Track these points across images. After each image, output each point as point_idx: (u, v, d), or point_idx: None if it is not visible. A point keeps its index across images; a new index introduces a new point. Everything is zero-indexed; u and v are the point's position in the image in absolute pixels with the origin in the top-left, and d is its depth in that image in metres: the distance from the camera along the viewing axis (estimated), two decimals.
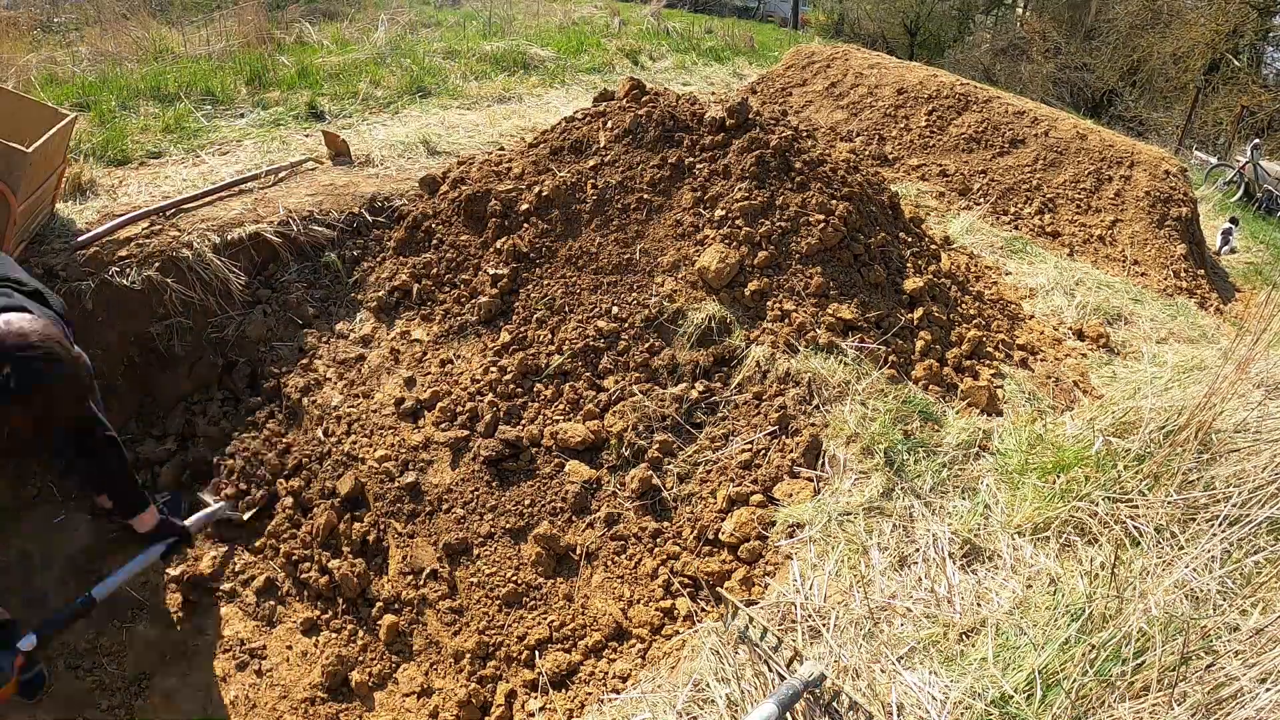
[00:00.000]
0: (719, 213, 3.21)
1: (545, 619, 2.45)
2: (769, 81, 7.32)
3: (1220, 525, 2.05)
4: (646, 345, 2.97)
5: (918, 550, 2.24)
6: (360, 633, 2.51)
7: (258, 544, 2.72)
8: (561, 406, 2.90)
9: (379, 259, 3.61)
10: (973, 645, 1.93)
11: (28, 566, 2.61)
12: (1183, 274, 5.06)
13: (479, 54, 7.03)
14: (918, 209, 4.89)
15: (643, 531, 2.56)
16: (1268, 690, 1.50)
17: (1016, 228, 5.11)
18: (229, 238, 3.37)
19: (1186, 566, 1.94)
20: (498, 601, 2.50)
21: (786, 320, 2.94)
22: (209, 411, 3.15)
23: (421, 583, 2.58)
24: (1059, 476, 2.47)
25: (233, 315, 3.31)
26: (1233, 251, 6.82)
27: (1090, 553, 2.17)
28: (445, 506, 2.71)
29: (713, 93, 7.24)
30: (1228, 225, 6.94)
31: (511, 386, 2.95)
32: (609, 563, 2.53)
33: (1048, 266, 4.48)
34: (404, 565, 2.58)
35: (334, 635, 2.48)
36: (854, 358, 2.84)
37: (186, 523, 2.46)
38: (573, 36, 8.47)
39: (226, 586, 2.62)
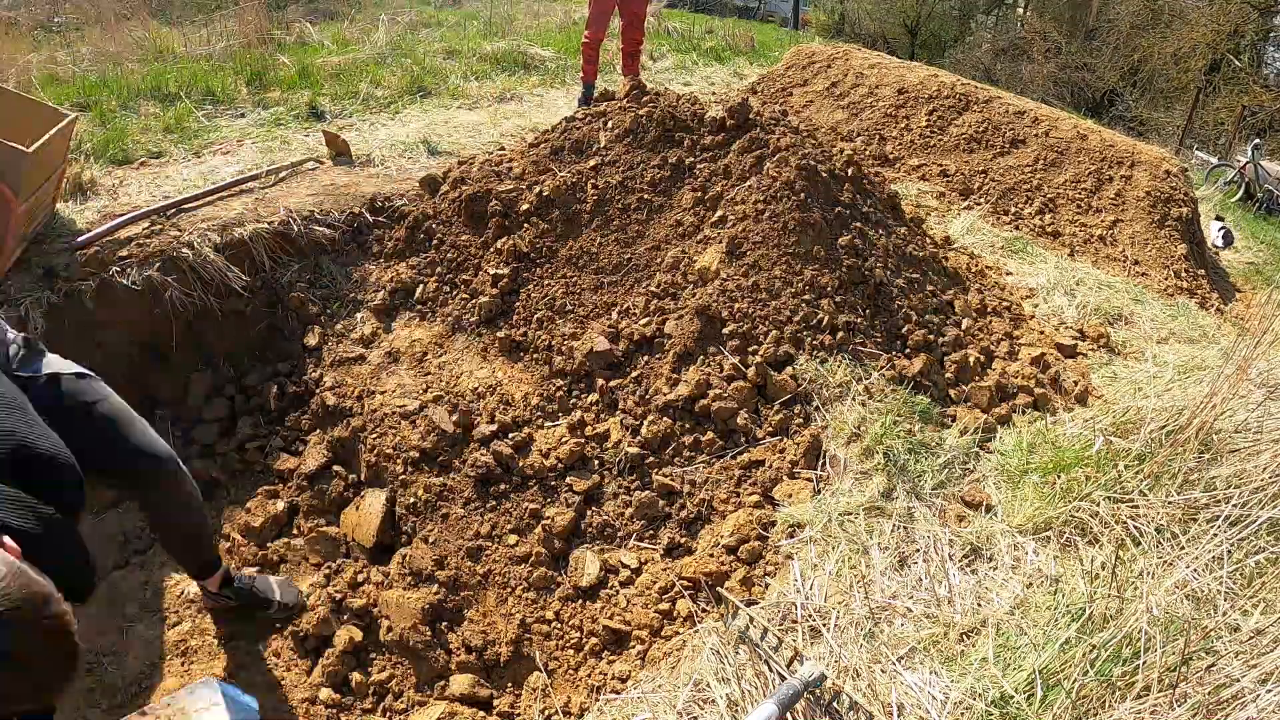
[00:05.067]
0: (719, 213, 3.21)
1: (544, 615, 2.45)
2: (769, 81, 7.32)
3: (1221, 525, 2.05)
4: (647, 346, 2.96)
5: (918, 550, 2.24)
6: (361, 634, 2.51)
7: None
8: (561, 408, 2.90)
9: (380, 259, 3.61)
10: (973, 645, 1.92)
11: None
12: (1183, 274, 5.06)
13: (479, 54, 7.03)
14: (918, 209, 4.89)
15: (642, 532, 2.56)
16: (1269, 691, 1.50)
17: (1017, 228, 5.11)
18: (230, 238, 3.37)
19: (1187, 567, 1.94)
20: (498, 601, 2.50)
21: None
22: (208, 414, 3.15)
23: (421, 583, 2.58)
24: (1059, 476, 2.47)
25: (233, 316, 3.32)
26: (1230, 247, 6.79)
27: (1091, 553, 2.17)
28: (444, 508, 2.71)
29: (713, 92, 7.24)
30: (1225, 227, 6.92)
31: (512, 389, 2.95)
32: (607, 563, 2.53)
33: (1048, 266, 4.47)
34: (403, 566, 2.58)
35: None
36: (854, 358, 2.84)
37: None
38: (573, 36, 8.45)
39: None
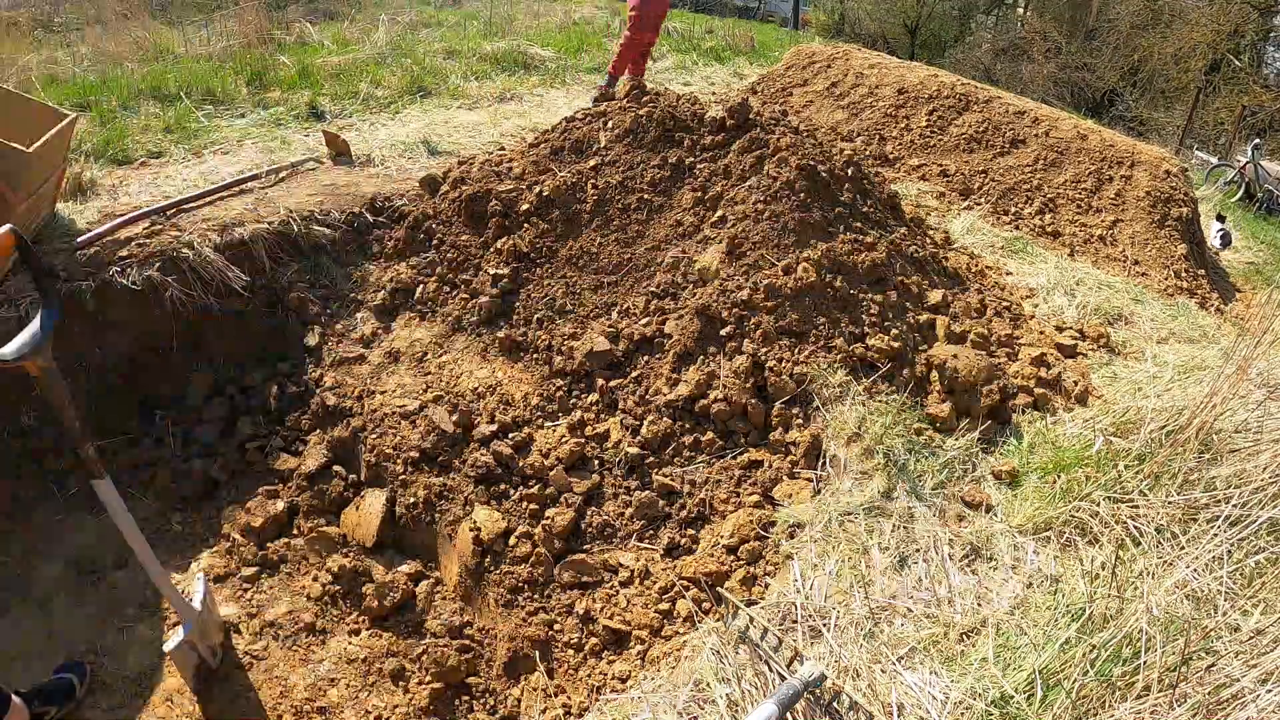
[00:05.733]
0: (719, 213, 3.21)
1: (546, 617, 2.45)
2: (769, 81, 7.32)
3: (1221, 525, 2.05)
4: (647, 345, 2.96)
5: (918, 550, 2.24)
6: (364, 635, 2.51)
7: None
8: (561, 408, 2.90)
9: (380, 259, 3.61)
10: (973, 645, 1.92)
11: (29, 566, 2.61)
12: (1183, 274, 5.05)
13: (479, 54, 7.03)
14: (918, 209, 4.89)
15: (642, 532, 2.56)
16: (1269, 691, 1.50)
17: (1017, 228, 5.11)
18: (230, 238, 3.37)
19: (1187, 567, 1.94)
20: (500, 600, 2.50)
21: None
22: (208, 414, 3.15)
23: (426, 584, 2.58)
24: (1059, 476, 2.47)
25: (233, 316, 3.31)
26: (1229, 248, 6.76)
27: (1091, 553, 2.17)
28: (443, 507, 2.71)
29: (713, 92, 7.24)
30: (1224, 229, 6.90)
31: (512, 389, 2.95)
32: (607, 564, 2.53)
33: (1048, 266, 4.47)
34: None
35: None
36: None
37: None
38: (573, 36, 8.46)
39: (228, 591, 2.62)
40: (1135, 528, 2.17)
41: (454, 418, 2.87)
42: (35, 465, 2.89)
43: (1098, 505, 2.27)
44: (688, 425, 2.73)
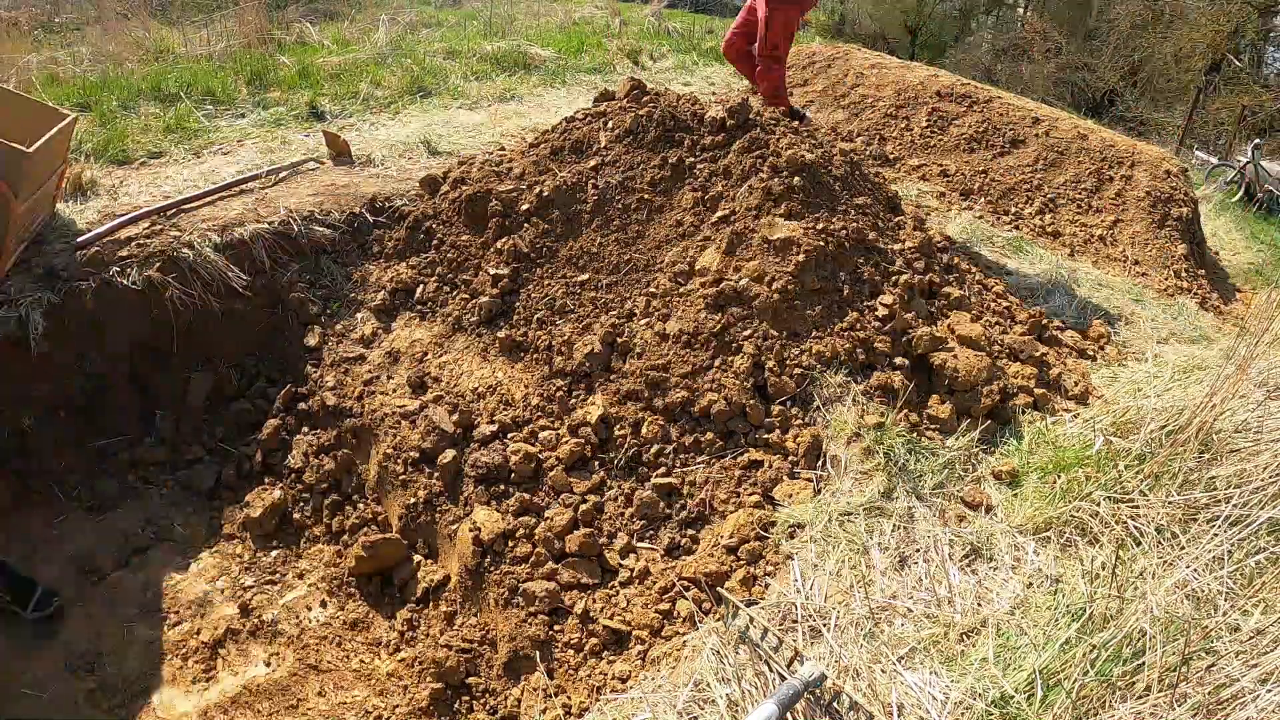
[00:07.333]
0: (720, 213, 3.21)
1: (546, 617, 2.45)
2: None
3: (1221, 525, 2.05)
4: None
5: (918, 550, 2.24)
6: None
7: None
8: (561, 408, 2.89)
9: (380, 259, 3.61)
10: (973, 645, 1.92)
11: (28, 567, 2.61)
12: (1183, 274, 5.05)
13: (480, 54, 7.03)
14: (919, 209, 4.88)
15: (642, 532, 2.56)
16: (1269, 691, 1.50)
17: (1017, 228, 5.11)
18: (230, 238, 3.37)
19: (1187, 567, 1.94)
20: (500, 600, 2.50)
21: None
22: (209, 414, 3.15)
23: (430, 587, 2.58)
24: (1059, 476, 2.46)
25: (234, 316, 3.31)
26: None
27: (1091, 553, 2.17)
28: (444, 507, 2.71)
29: (714, 93, 7.24)
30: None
31: (512, 389, 2.95)
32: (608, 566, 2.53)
33: (1048, 267, 4.47)
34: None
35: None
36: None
37: None
38: (573, 36, 8.46)
39: (228, 590, 2.62)
40: (1135, 528, 2.17)
41: (454, 418, 2.87)
42: (35, 465, 2.89)
43: (1098, 505, 2.27)
44: (688, 425, 2.73)
